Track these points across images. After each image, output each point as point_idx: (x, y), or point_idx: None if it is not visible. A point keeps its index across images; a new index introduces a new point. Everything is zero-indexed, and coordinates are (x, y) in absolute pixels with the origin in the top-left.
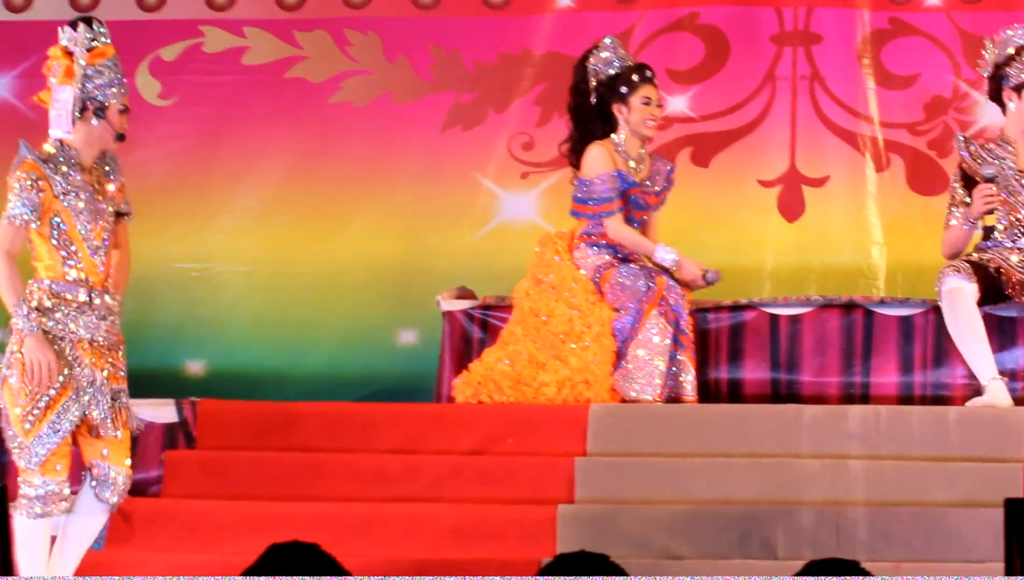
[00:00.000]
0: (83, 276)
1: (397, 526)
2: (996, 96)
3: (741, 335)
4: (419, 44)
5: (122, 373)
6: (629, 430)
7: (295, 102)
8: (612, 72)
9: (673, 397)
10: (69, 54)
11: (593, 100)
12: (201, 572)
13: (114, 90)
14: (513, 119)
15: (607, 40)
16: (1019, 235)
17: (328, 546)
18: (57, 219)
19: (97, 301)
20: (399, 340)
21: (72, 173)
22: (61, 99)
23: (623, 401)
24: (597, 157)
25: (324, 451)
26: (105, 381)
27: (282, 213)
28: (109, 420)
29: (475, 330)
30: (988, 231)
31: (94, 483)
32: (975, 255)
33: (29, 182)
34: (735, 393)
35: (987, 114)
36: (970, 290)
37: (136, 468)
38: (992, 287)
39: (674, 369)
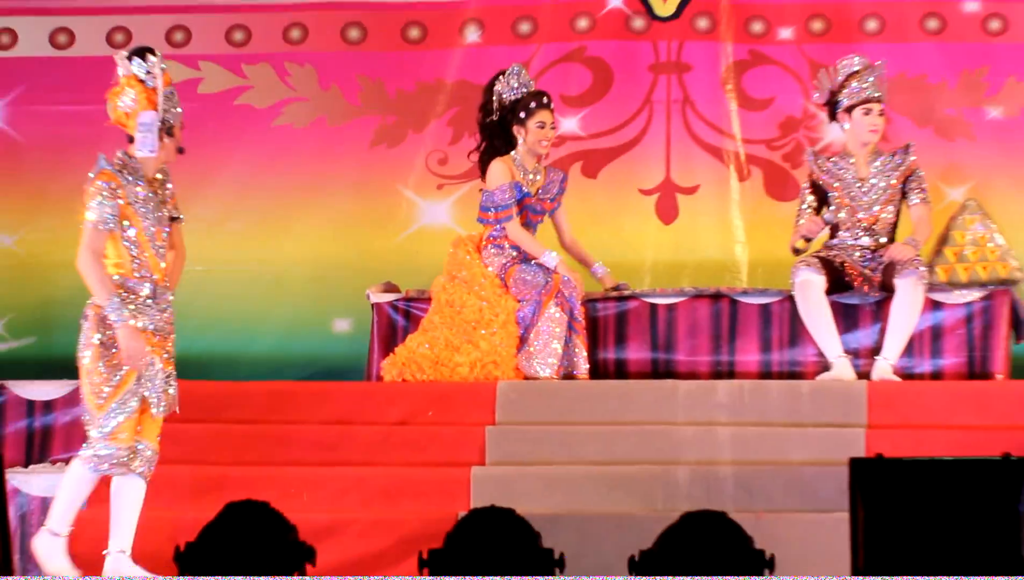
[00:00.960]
0: (148, 273)
1: (335, 486)
2: (833, 117)
3: (625, 321)
4: (349, 75)
5: (172, 358)
6: (531, 403)
7: (243, 125)
8: (514, 97)
9: (568, 374)
10: (141, 82)
11: (496, 120)
12: (167, 525)
13: (177, 112)
14: (430, 138)
15: (514, 67)
16: (860, 234)
17: (276, 504)
18: (127, 222)
19: (160, 295)
20: (335, 328)
21: (140, 183)
22: (146, 123)
23: (526, 378)
24: (497, 171)
25: (271, 423)
26: (161, 366)
27: (233, 220)
28: (161, 401)
29: (399, 319)
30: (834, 230)
31: None
32: (823, 251)
33: (108, 191)
34: (621, 370)
35: (832, 132)
36: (819, 282)
37: None
38: (838, 279)
39: (569, 351)
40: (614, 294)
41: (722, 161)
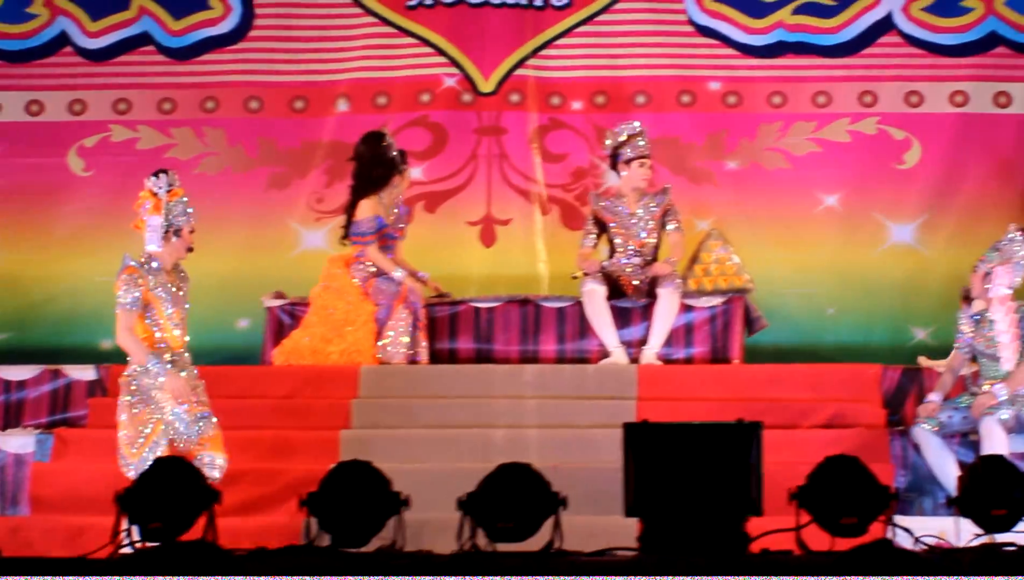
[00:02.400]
0: (167, 345)
1: (238, 444)
2: (614, 167)
3: (456, 320)
4: (250, 135)
5: (204, 401)
6: (386, 382)
7: None
8: (394, 154)
9: (413, 360)
10: (155, 195)
11: (381, 169)
12: (110, 476)
13: (184, 217)
14: (310, 183)
15: (386, 130)
16: (632, 255)
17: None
18: (150, 305)
19: (177, 360)
20: (238, 325)
21: (159, 274)
22: (153, 225)
23: (382, 363)
24: (365, 206)
25: None
26: (183, 414)
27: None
28: (190, 440)
29: (286, 318)
30: (612, 252)
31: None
32: (604, 264)
33: (131, 282)
34: (453, 357)
35: (611, 178)
36: (601, 290)
37: (70, 409)
38: (615, 288)
39: (413, 343)
40: (436, 300)
41: (529, 201)
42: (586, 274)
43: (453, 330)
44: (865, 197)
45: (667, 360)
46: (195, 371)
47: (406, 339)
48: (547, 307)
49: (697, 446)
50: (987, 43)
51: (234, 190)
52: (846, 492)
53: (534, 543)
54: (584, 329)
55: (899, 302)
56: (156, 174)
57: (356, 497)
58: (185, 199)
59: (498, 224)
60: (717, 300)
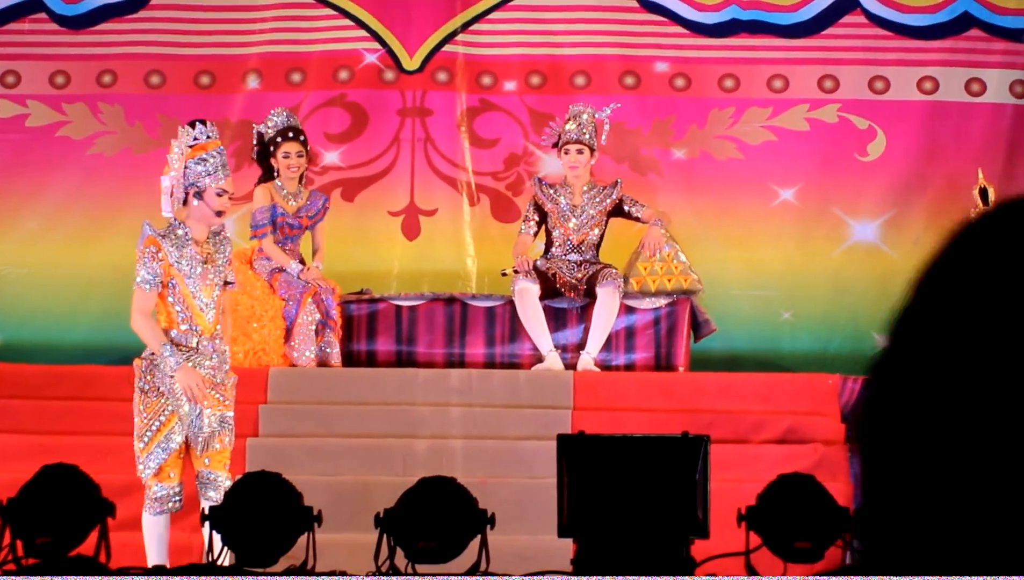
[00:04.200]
0: (193, 326)
1: (131, 454)
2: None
3: (376, 319)
4: (150, 113)
5: (228, 402)
6: (297, 386)
7: (63, 153)
8: (271, 131)
9: (323, 362)
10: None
11: (259, 153)
12: None
13: (210, 177)
14: None
15: (275, 110)
16: (570, 250)
17: (84, 467)
18: (173, 281)
19: (205, 346)
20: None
21: (185, 245)
22: (163, 187)
23: (292, 365)
24: (257, 195)
25: (82, 399)
26: (207, 411)
27: (55, 231)
28: (206, 442)
29: None
30: (548, 246)
31: (200, 486)
32: (539, 262)
33: (149, 255)
34: (372, 360)
35: (550, 164)
36: (534, 289)
37: None
38: (550, 287)
39: (323, 343)
40: (353, 296)
41: (457, 189)
42: (517, 271)
43: (371, 330)
44: (825, 191)
45: (606, 366)
46: (227, 363)
47: (314, 338)
48: (475, 306)
49: (638, 461)
50: (959, 25)
51: (133, 173)
52: (800, 513)
53: (458, 565)
54: (515, 331)
55: (861, 306)
56: (189, 125)
57: (263, 512)
58: (210, 154)
59: (422, 215)
60: (661, 301)
